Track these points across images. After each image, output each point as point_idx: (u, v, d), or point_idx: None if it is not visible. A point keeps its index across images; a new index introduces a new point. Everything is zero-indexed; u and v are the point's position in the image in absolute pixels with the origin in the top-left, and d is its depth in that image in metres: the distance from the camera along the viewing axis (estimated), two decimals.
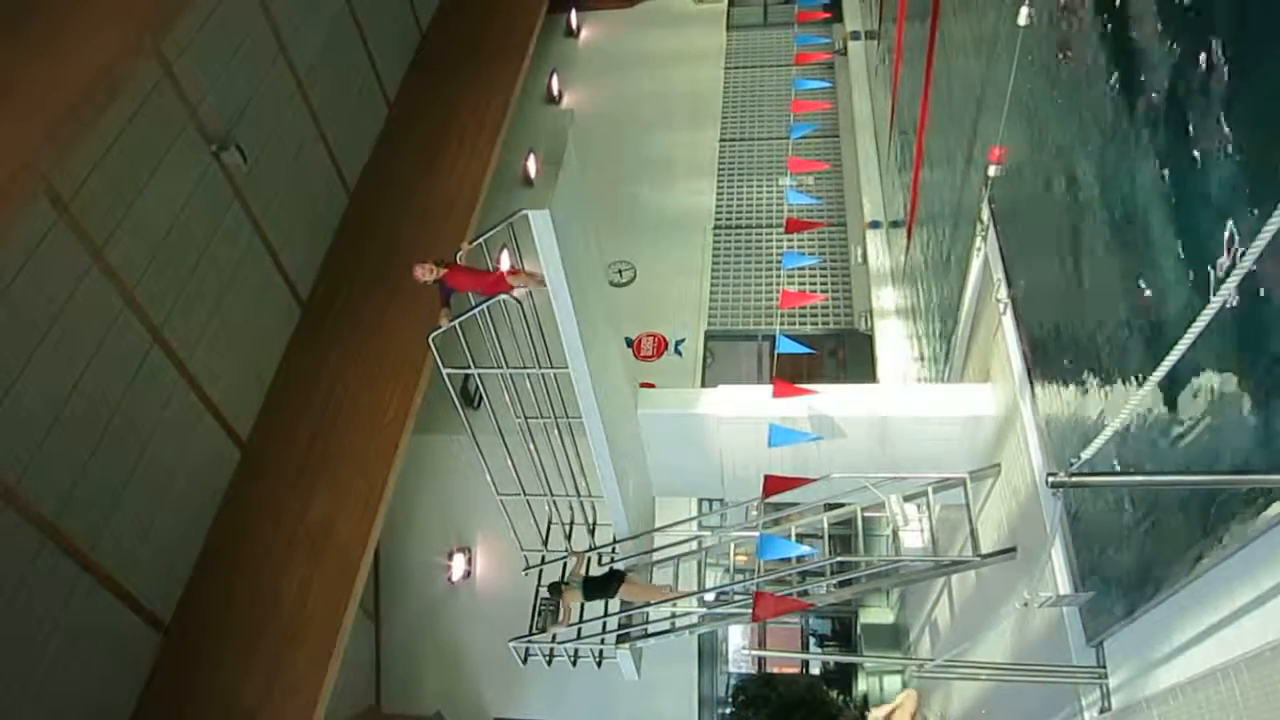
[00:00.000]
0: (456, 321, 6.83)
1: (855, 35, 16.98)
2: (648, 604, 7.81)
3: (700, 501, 11.01)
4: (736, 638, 12.99)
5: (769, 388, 7.11)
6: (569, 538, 8.62)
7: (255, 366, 11.06)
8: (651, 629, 8.05)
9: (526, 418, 7.52)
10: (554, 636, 7.87)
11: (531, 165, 14.77)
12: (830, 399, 7.23)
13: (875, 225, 13.51)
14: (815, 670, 13.37)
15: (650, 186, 16.05)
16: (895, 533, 6.64)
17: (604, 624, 7.97)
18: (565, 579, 7.77)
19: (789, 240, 12.54)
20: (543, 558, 8.55)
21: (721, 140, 16.80)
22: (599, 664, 8.43)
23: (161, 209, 9.30)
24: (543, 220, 5.50)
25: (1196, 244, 3.36)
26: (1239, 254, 2.28)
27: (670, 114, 17.28)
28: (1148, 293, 3.84)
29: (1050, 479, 3.26)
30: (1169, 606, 3.89)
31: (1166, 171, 3.59)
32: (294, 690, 8.81)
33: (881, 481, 6.65)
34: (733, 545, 8.07)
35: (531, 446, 7.64)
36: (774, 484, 6.73)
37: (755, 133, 16.89)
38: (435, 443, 11.78)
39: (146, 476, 8.95)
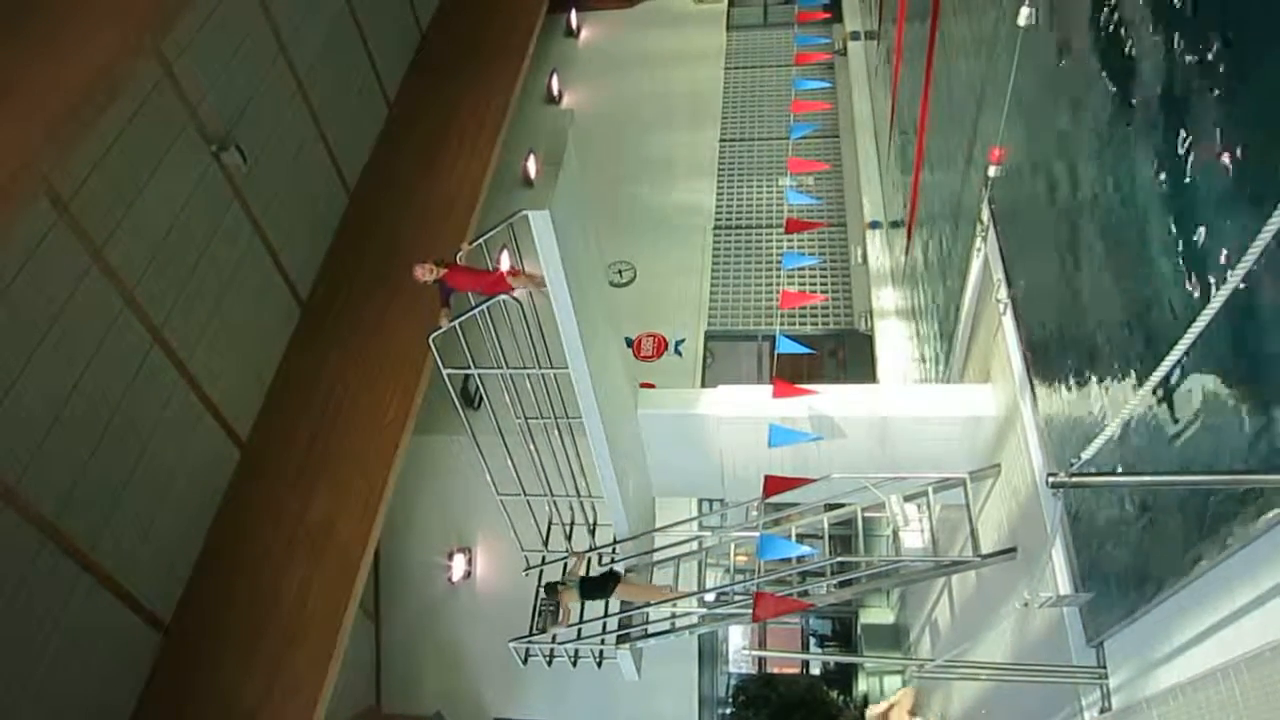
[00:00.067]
0: (456, 322, 6.83)
1: (855, 35, 16.99)
2: (647, 604, 7.81)
3: (700, 502, 11.01)
4: (737, 638, 12.99)
5: (769, 388, 7.10)
6: (569, 538, 8.62)
7: (255, 366, 11.06)
8: (651, 629, 8.04)
9: (526, 418, 7.51)
10: (554, 637, 7.86)
11: (531, 165, 14.78)
12: (830, 399, 7.22)
13: (875, 225, 13.51)
14: (815, 670, 13.37)
15: (650, 187, 16.05)
16: (895, 533, 6.64)
17: (604, 624, 7.97)
18: (562, 579, 7.77)
19: (789, 240, 12.54)
20: (543, 558, 8.55)
21: (721, 140, 16.80)
22: (599, 664, 8.42)
23: (161, 209, 9.30)
24: (543, 220, 5.50)
25: (1196, 244, 3.36)
26: (1238, 254, 2.28)
27: (670, 114, 17.27)
28: (1148, 293, 3.84)
29: (1050, 479, 3.26)
30: (1169, 607, 3.89)
31: (1165, 172, 3.59)
32: (294, 690, 8.81)
33: (882, 482, 6.65)
34: (733, 545, 8.06)
35: (531, 447, 7.64)
36: (774, 484, 6.73)
37: (755, 133, 16.89)
38: (435, 443, 11.78)
39: (146, 476, 8.95)
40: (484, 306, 6.65)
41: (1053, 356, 5.36)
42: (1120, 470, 4.20)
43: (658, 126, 17.07)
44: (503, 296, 6.67)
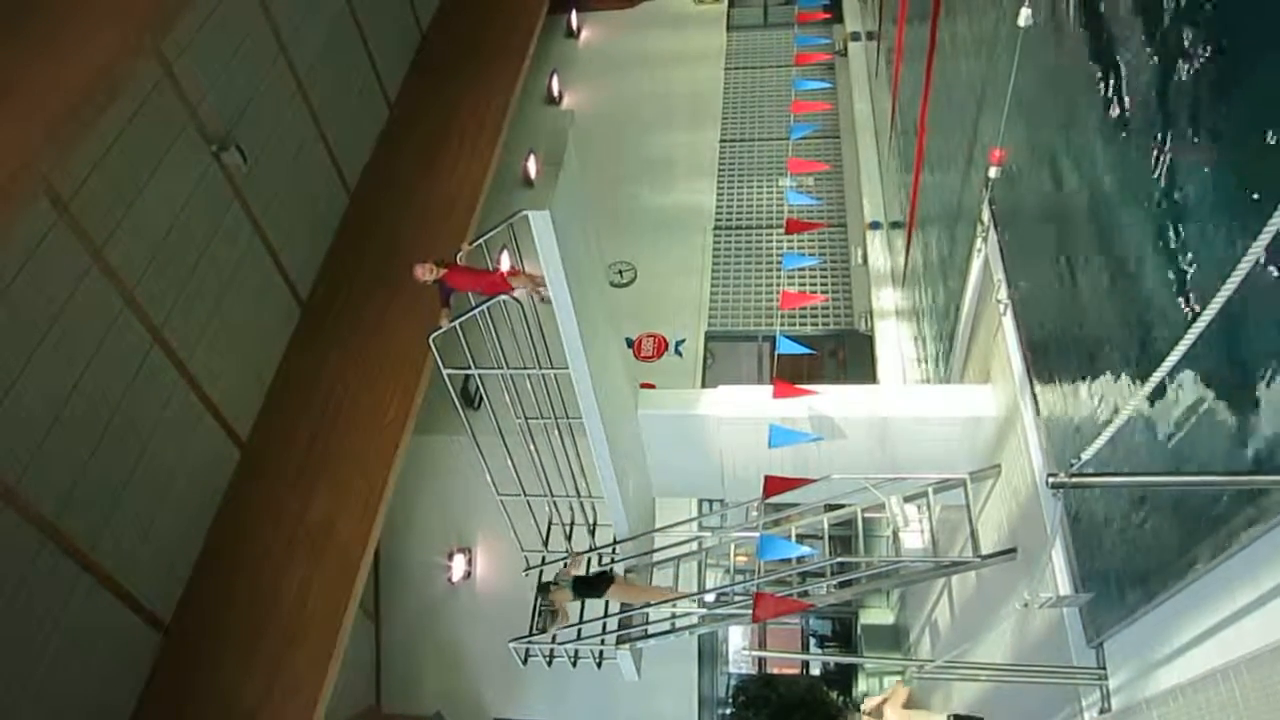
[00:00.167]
0: (457, 322, 6.83)
1: (855, 36, 16.98)
2: (647, 604, 7.81)
3: (700, 502, 11.00)
4: (737, 638, 12.98)
5: (769, 388, 7.10)
6: (569, 538, 8.62)
7: (255, 366, 11.05)
8: (651, 629, 8.04)
9: (527, 418, 7.51)
10: (554, 637, 7.87)
11: (532, 166, 14.78)
12: (830, 400, 7.22)
13: (875, 226, 13.51)
14: (815, 671, 13.36)
15: (650, 187, 16.05)
16: (895, 533, 6.64)
17: (604, 625, 7.97)
18: (555, 579, 7.78)
19: (789, 241, 12.53)
20: (543, 558, 8.55)
21: (722, 141, 16.80)
22: (599, 664, 8.42)
23: (161, 209, 9.30)
24: (543, 221, 5.50)
25: (1196, 244, 3.36)
26: (1238, 255, 2.28)
27: (670, 115, 17.27)
28: (1148, 293, 3.84)
29: (1050, 479, 3.26)
30: (1169, 607, 3.88)
31: (1165, 173, 3.59)
32: (294, 690, 8.81)
33: (882, 482, 6.65)
34: (733, 546, 8.06)
35: (532, 447, 7.64)
36: (774, 485, 6.72)
37: (755, 133, 16.89)
38: (435, 443, 11.78)
39: (146, 476, 8.95)
40: (484, 306, 6.66)
41: (1053, 357, 5.36)
42: (1120, 471, 4.20)
43: (658, 127, 17.07)
44: (503, 296, 6.68)
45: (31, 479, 7.59)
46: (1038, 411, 5.61)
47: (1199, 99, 3.30)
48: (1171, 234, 3.56)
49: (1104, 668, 4.65)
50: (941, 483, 6.72)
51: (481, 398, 8.38)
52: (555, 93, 17.67)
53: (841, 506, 7.13)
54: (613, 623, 7.85)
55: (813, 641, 13.99)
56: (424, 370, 11.16)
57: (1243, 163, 3.00)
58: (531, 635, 8.00)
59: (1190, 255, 3.42)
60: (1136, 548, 4.20)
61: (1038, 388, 5.65)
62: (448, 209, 13.17)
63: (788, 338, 7.37)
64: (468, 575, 12.48)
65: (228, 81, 10.50)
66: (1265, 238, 2.16)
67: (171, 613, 9.35)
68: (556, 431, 7.59)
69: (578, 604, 8.12)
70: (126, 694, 8.77)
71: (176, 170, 9.52)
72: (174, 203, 9.52)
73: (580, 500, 8.14)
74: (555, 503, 8.31)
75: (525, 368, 7.07)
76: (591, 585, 7.64)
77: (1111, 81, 4.12)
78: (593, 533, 8.38)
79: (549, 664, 8.39)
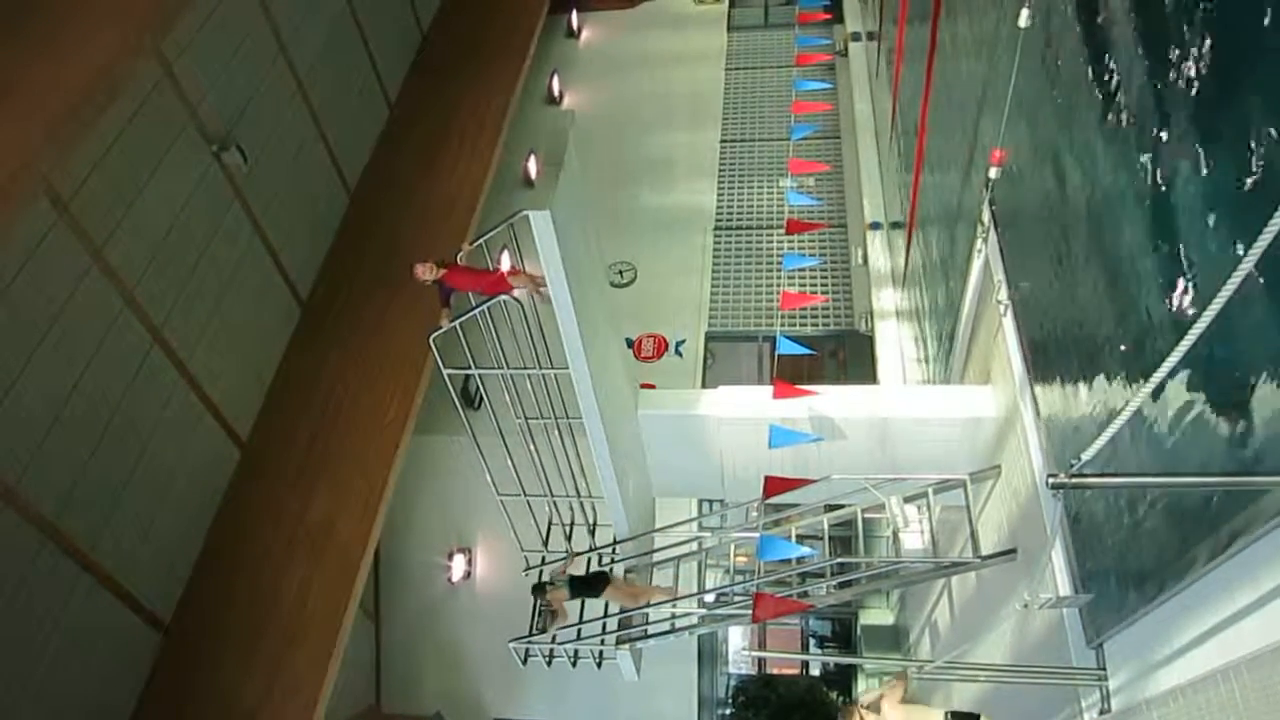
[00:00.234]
0: (457, 322, 6.83)
1: (856, 36, 16.98)
2: (648, 604, 7.81)
3: (700, 502, 11.00)
4: (736, 639, 12.99)
5: (769, 389, 7.10)
6: (569, 538, 8.62)
7: (255, 366, 11.05)
8: (651, 630, 8.04)
9: (527, 418, 7.52)
10: (554, 637, 7.87)
11: (532, 166, 14.77)
12: (830, 400, 7.22)
13: (876, 226, 13.51)
14: (815, 671, 13.37)
15: (651, 187, 16.06)
16: (895, 534, 6.65)
17: (604, 625, 7.97)
18: (550, 579, 7.78)
19: (789, 241, 12.53)
20: (543, 558, 8.55)
21: (722, 141, 16.80)
22: (599, 665, 8.42)
23: (162, 209, 9.30)
24: (543, 221, 5.50)
25: (1196, 246, 3.36)
26: (1238, 256, 2.28)
27: (671, 115, 17.28)
28: (1148, 294, 3.83)
29: (1050, 480, 3.26)
30: (1169, 608, 3.88)
31: (1165, 174, 3.59)
32: (294, 690, 8.81)
33: (882, 483, 6.65)
34: (733, 546, 8.06)
35: (532, 447, 7.64)
36: (774, 485, 6.73)
37: (756, 134, 16.89)
38: (435, 443, 11.78)
39: (146, 476, 8.95)
40: (484, 306, 6.66)
41: (1053, 357, 5.36)
42: (1120, 471, 4.20)
43: (658, 127, 17.07)
44: (503, 297, 6.67)
45: (31, 479, 7.59)
46: (1038, 412, 5.61)
47: (1198, 100, 3.30)
48: (1172, 235, 3.56)
49: (1104, 668, 4.65)
50: (941, 483, 6.72)
51: (481, 398, 8.39)
52: (556, 93, 17.67)
53: (841, 507, 7.13)
54: (612, 623, 7.85)
55: (812, 642, 14.00)
56: (424, 370, 11.16)
57: (1242, 164, 2.99)
58: (531, 635, 8.00)
59: (1190, 257, 3.42)
60: (1136, 548, 4.20)
61: (1038, 388, 5.65)
62: (448, 209, 13.17)
63: (788, 338, 7.38)
64: (468, 575, 12.48)
65: (228, 81, 10.50)
66: (1265, 239, 2.16)
67: (171, 613, 9.35)
68: (556, 431, 7.59)
69: (576, 603, 8.13)
70: (126, 694, 8.77)
71: (177, 170, 9.52)
72: (174, 203, 9.52)
73: (580, 500, 8.14)
74: (555, 503, 8.31)
75: (525, 368, 7.07)
76: (588, 585, 7.64)
77: (1111, 83, 4.12)
78: (593, 533, 8.38)
79: (549, 664, 8.40)
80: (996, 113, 5.91)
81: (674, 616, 7.71)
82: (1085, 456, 3.23)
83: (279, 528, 9.93)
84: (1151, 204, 3.75)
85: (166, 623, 9.27)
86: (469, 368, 7.10)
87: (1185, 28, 3.36)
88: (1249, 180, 2.96)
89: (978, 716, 5.51)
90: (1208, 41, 3.19)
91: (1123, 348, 4.19)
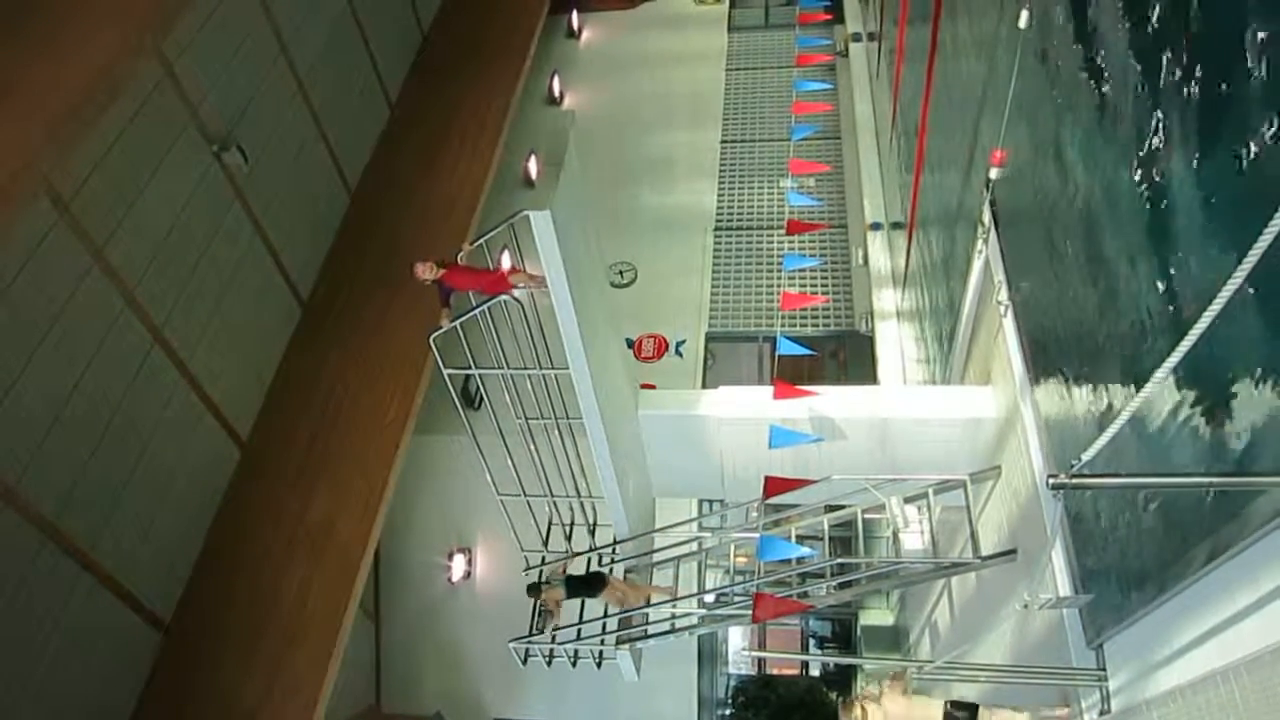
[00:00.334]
0: (457, 322, 6.83)
1: (856, 37, 16.99)
2: (647, 604, 7.81)
3: (700, 502, 11.00)
4: (736, 639, 12.98)
5: (769, 389, 7.11)
6: (569, 538, 8.62)
7: (255, 366, 11.05)
8: (651, 630, 8.05)
9: (527, 418, 7.52)
10: (553, 637, 7.87)
11: (532, 166, 14.76)
12: (831, 400, 7.22)
13: (876, 227, 13.51)
14: (815, 672, 13.36)
15: (651, 188, 16.06)
16: (895, 534, 6.65)
17: (604, 625, 7.97)
18: (545, 579, 7.78)
19: (790, 242, 12.52)
20: (543, 558, 8.55)
21: (722, 141, 16.80)
22: (599, 665, 8.42)
23: (162, 209, 9.30)
24: (543, 221, 5.51)
25: (1196, 246, 3.36)
26: (1238, 258, 2.28)
27: (671, 115, 17.28)
28: (1149, 295, 3.83)
29: (1051, 481, 3.26)
30: (1169, 609, 3.88)
31: (1165, 175, 3.59)
32: (294, 690, 8.81)
33: (882, 483, 6.65)
34: (733, 546, 8.06)
35: (532, 447, 7.64)
36: (774, 485, 6.73)
37: (756, 134, 16.89)
38: (436, 443, 11.78)
39: (146, 476, 8.95)
40: (484, 306, 6.66)
41: (1053, 358, 5.36)
42: (1120, 472, 4.20)
43: (659, 127, 17.07)
44: (503, 297, 6.67)
45: (31, 479, 7.59)
46: (1038, 412, 5.61)
47: (1196, 103, 3.30)
48: (1172, 236, 3.56)
49: (1104, 669, 4.65)
50: (942, 484, 6.73)
51: (482, 398, 8.39)
52: (556, 93, 17.67)
53: (841, 507, 7.14)
54: (612, 623, 7.85)
55: (812, 642, 13.99)
56: (424, 370, 11.16)
57: (1241, 168, 2.99)
58: (531, 635, 8.00)
59: (1191, 258, 3.42)
60: (1136, 549, 4.20)
61: (1038, 389, 5.65)
62: (448, 209, 13.17)
63: (788, 338, 7.39)
64: (468, 575, 12.48)
65: (229, 81, 10.50)
66: (1265, 240, 2.16)
67: (171, 613, 9.35)
68: (556, 431, 7.59)
69: (575, 603, 8.12)
70: (126, 694, 8.77)
71: (177, 170, 9.52)
72: (175, 203, 9.52)
73: (580, 500, 8.14)
74: (555, 503, 8.31)
75: (525, 368, 7.07)
76: (586, 585, 7.63)
77: (1110, 83, 4.12)
78: (593, 533, 8.38)
79: (549, 664, 8.40)
80: (997, 113, 5.91)
81: (674, 617, 7.71)
82: (1085, 457, 3.23)
83: (279, 528, 9.93)
84: (1152, 205, 3.75)
85: (167, 622, 9.27)
86: (469, 368, 7.10)
87: (1181, 31, 3.36)
88: (1249, 179, 2.96)
89: (977, 708, 5.55)
90: (1204, 44, 3.19)
91: (1123, 349, 4.19)
